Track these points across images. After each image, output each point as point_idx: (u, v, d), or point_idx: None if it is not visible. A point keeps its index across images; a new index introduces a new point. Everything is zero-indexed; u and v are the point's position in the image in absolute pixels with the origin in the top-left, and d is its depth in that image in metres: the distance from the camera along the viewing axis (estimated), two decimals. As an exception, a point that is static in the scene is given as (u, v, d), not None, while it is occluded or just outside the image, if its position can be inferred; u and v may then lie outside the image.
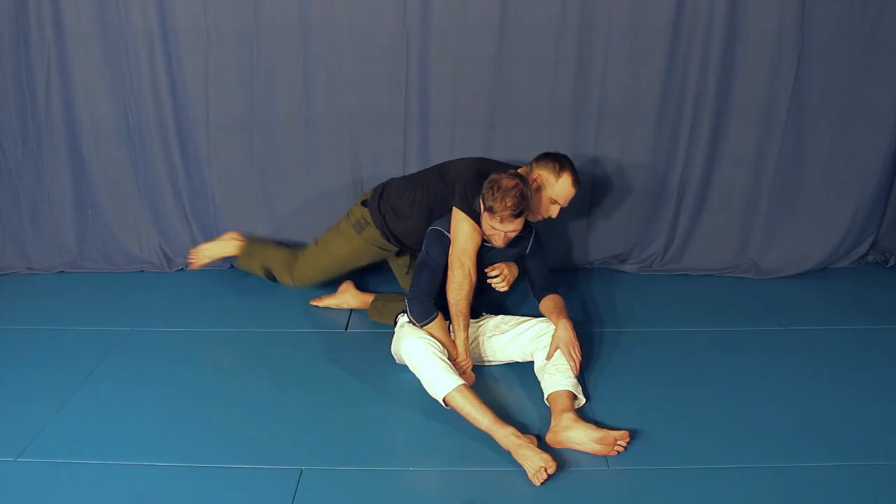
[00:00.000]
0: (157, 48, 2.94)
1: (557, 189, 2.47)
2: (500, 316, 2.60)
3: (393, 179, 2.78)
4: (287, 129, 3.09)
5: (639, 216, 3.26)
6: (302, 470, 2.04)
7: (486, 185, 2.31)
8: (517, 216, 2.29)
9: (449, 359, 2.29)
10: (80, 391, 2.42)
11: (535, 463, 1.98)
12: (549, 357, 2.35)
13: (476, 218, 2.39)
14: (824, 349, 2.67)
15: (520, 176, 2.33)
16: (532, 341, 2.44)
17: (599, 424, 2.16)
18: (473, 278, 2.41)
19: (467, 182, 2.41)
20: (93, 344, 2.70)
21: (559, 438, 2.12)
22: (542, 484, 1.97)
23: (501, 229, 2.33)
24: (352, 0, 2.89)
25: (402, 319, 2.49)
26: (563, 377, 2.28)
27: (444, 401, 2.18)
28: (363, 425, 2.25)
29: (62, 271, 3.31)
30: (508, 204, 2.25)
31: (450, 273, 2.41)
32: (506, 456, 2.06)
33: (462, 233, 2.40)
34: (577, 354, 2.33)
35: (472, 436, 2.14)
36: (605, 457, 2.08)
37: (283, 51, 2.97)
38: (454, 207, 2.42)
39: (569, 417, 2.14)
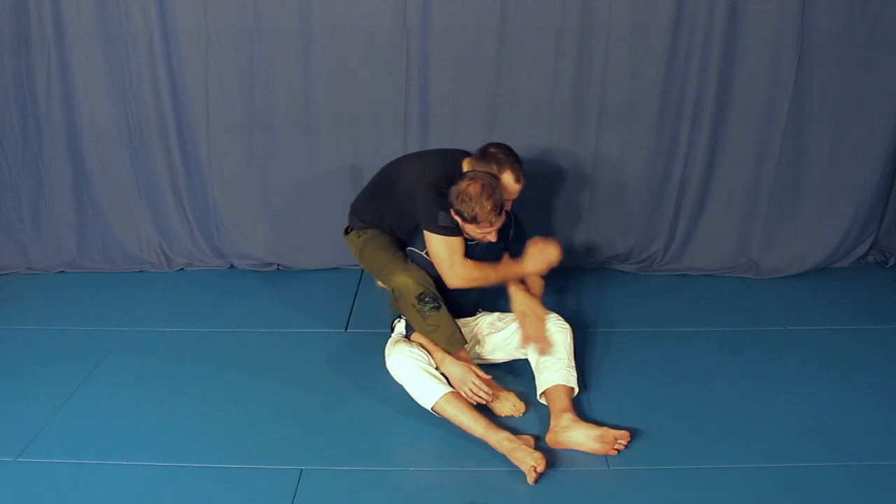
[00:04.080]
0: (157, 48, 2.94)
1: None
2: (497, 314, 2.61)
3: (355, 203, 2.73)
4: (287, 129, 3.09)
5: (639, 216, 3.25)
6: (302, 470, 2.04)
7: (454, 199, 2.30)
8: (501, 212, 2.32)
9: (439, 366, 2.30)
10: (80, 391, 2.42)
11: (527, 463, 1.99)
12: (522, 345, 2.41)
13: (450, 231, 2.37)
14: (824, 349, 2.67)
15: (477, 174, 2.32)
16: None
17: (599, 424, 2.15)
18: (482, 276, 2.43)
19: (427, 200, 2.37)
20: (93, 344, 2.70)
21: (559, 439, 2.12)
22: (535, 482, 1.97)
23: (493, 228, 2.34)
24: (352, 0, 2.89)
25: (397, 330, 2.51)
26: (551, 373, 2.29)
27: (433, 410, 2.18)
28: (363, 425, 2.25)
29: (62, 271, 3.31)
30: (488, 207, 2.26)
31: (466, 288, 2.43)
32: (504, 457, 2.06)
33: (446, 254, 2.38)
34: (546, 342, 2.36)
35: (471, 436, 2.14)
36: (605, 457, 2.08)
37: (283, 51, 2.96)
38: (426, 232, 2.39)
39: (567, 418, 2.14)
